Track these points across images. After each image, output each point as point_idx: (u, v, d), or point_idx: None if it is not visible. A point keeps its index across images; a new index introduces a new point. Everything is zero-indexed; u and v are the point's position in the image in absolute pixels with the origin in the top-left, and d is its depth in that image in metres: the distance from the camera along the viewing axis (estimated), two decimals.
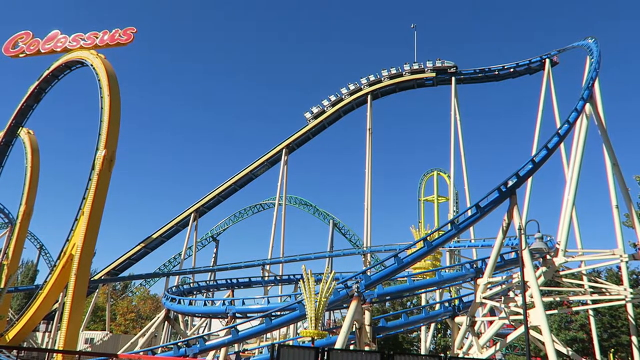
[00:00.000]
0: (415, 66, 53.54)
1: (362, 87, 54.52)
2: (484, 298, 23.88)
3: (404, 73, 53.83)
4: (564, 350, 25.13)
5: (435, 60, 53.06)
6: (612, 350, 36.19)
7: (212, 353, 26.34)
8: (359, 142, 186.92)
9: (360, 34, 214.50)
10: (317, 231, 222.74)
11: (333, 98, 55.30)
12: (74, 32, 41.90)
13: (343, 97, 54.95)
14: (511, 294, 25.67)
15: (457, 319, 27.76)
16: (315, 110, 55.35)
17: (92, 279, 48.59)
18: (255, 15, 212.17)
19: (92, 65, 39.08)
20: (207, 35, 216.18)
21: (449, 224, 24.69)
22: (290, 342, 31.35)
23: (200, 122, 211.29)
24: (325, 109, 55.05)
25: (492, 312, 28.03)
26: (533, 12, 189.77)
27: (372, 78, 54.54)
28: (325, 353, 13.16)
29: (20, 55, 42.60)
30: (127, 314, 67.80)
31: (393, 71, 54.16)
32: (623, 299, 29.09)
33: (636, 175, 32.49)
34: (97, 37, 40.63)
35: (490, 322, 27.44)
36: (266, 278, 49.90)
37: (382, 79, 54.16)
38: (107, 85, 36.85)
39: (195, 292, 45.66)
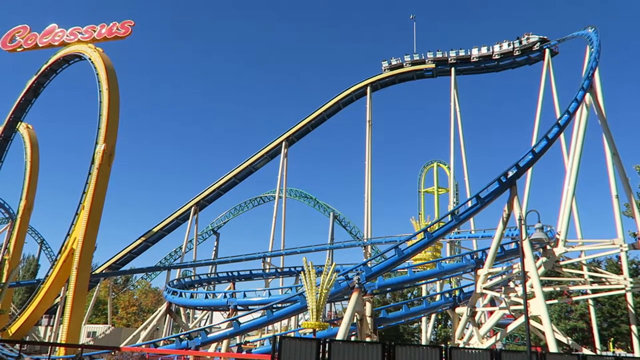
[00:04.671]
0: (463, 52, 52.25)
1: (384, 70, 54.46)
2: (485, 288, 23.96)
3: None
4: (564, 339, 25.26)
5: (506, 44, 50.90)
6: (612, 339, 36.36)
7: (213, 345, 26.46)
8: (358, 134, 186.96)
9: (357, 28, 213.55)
10: (318, 223, 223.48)
11: (395, 61, 54.65)
12: (71, 25, 41.64)
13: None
14: (511, 284, 25.76)
15: (458, 310, 27.87)
16: (394, 62, 54.71)
17: (93, 272, 48.72)
18: (254, 8, 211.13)
19: (90, 59, 38.87)
20: (207, 34, 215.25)
21: (449, 215, 24.72)
22: (292, 334, 31.45)
23: (199, 116, 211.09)
24: (405, 65, 54.21)
25: (493, 302, 28.16)
26: (532, 2, 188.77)
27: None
28: (327, 344, 13.19)
29: (18, 50, 42.33)
30: (128, 308, 68.01)
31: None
32: (623, 289, 29.19)
33: (636, 165, 32.46)
34: (94, 31, 40.33)
35: (491, 313, 27.58)
36: (267, 270, 50.01)
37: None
38: (106, 79, 36.66)
39: (196, 285, 45.79)
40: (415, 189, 62.40)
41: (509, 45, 50.78)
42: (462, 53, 52.10)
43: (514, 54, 50.66)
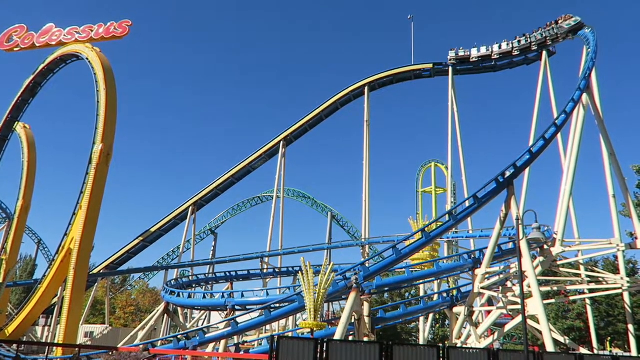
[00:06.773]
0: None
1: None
2: (482, 288, 24.01)
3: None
4: (561, 339, 25.34)
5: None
6: (609, 338, 36.48)
7: (211, 345, 26.47)
8: (356, 134, 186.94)
9: (355, 28, 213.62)
10: (316, 223, 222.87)
11: (462, 52, 51.49)
12: (68, 25, 41.67)
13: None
14: (509, 284, 25.83)
15: (456, 309, 27.93)
16: (461, 52, 51.92)
17: (91, 272, 48.66)
18: (252, 8, 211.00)
19: (87, 58, 38.89)
20: (205, 34, 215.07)
21: (447, 215, 24.76)
22: (290, 334, 31.46)
23: (197, 116, 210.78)
24: (471, 58, 51.53)
25: (490, 302, 28.22)
26: (529, 2, 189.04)
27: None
28: (325, 344, 13.20)
29: (15, 49, 42.33)
30: (126, 308, 67.93)
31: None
32: (620, 288, 29.26)
33: (633, 165, 32.60)
34: (92, 31, 40.37)
35: (488, 312, 27.67)
36: (265, 270, 50.02)
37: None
38: (103, 79, 36.69)
39: (194, 285, 45.77)
40: (413, 188, 62.60)
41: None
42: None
43: (513, 54, 50.55)
